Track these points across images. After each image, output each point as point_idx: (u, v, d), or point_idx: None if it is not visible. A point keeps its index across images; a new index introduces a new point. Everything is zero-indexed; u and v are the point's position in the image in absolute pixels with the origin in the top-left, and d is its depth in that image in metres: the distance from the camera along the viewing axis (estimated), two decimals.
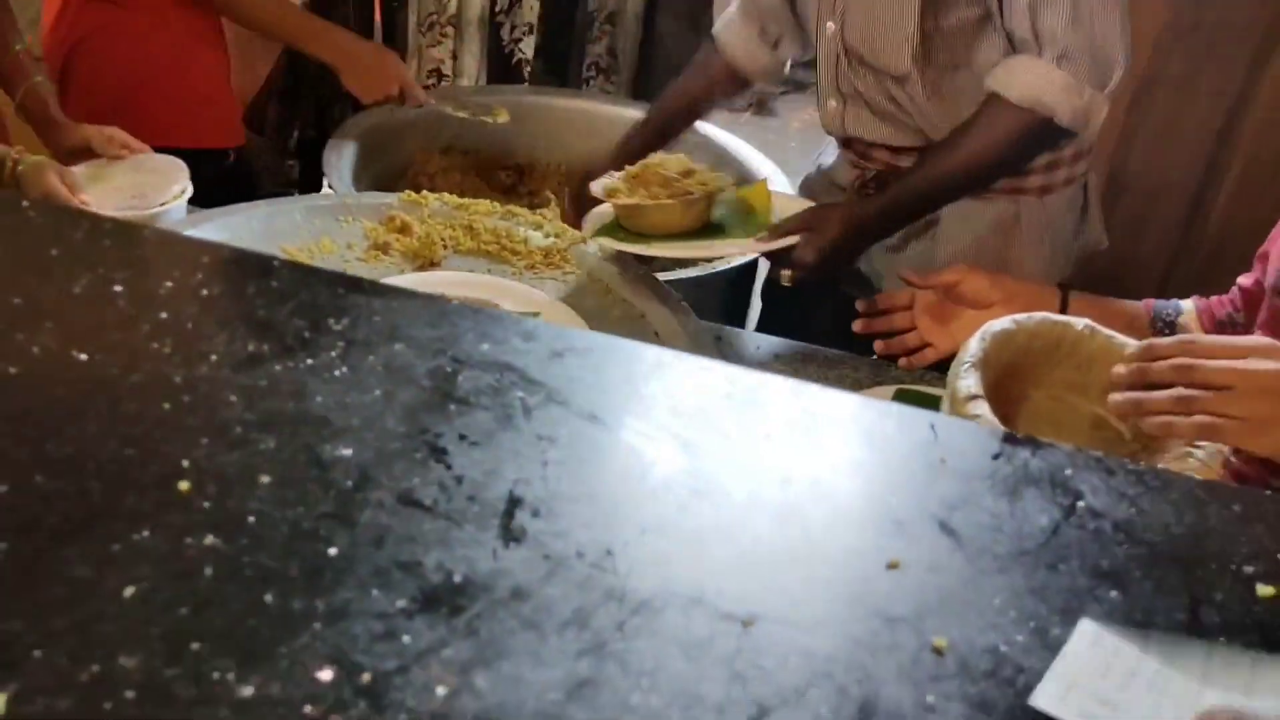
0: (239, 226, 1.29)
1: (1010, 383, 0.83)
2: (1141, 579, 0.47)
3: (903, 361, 1.29)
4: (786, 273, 1.39)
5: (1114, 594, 0.47)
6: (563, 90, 2.17)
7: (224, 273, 0.54)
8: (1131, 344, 0.81)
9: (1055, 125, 1.26)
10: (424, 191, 1.49)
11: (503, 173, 1.96)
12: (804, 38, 1.56)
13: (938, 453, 0.53)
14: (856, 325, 1.32)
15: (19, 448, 0.42)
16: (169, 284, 0.52)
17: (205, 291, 0.53)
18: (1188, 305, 1.12)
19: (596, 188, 1.44)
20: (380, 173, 1.78)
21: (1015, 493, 0.51)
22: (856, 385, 1.37)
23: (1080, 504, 0.51)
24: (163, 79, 1.72)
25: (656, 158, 1.44)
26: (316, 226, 1.36)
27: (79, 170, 1.46)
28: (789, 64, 1.64)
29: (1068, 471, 0.53)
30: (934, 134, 1.39)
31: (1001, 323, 0.84)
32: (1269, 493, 0.57)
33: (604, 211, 1.45)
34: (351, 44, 1.74)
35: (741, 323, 1.85)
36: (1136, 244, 2.45)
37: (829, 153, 1.64)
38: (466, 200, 1.48)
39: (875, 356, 1.42)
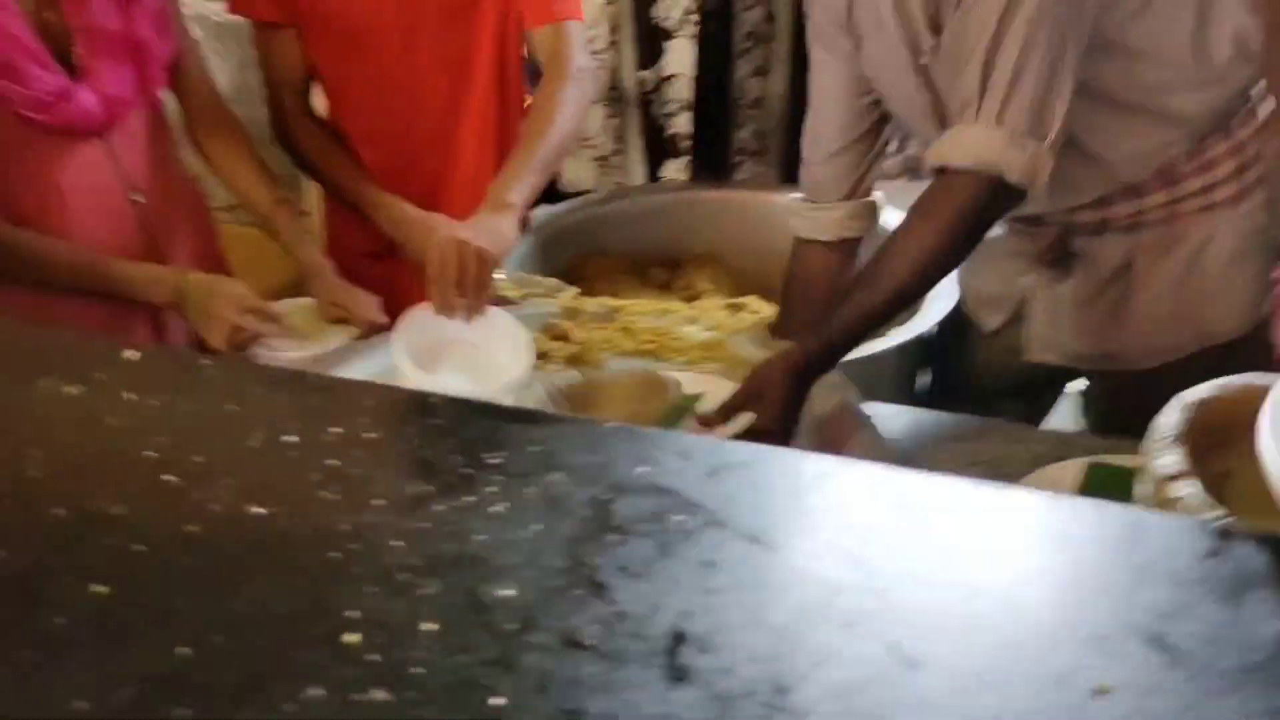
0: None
1: (1217, 456, 0.76)
2: None
3: None
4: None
5: None
6: (708, 182, 2.20)
7: (385, 414, 0.56)
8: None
9: (1005, 184, 1.18)
10: (581, 297, 1.52)
11: (656, 270, 1.99)
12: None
13: (1141, 554, 0.48)
14: None
15: (198, 608, 0.44)
16: (338, 429, 0.54)
17: (369, 435, 0.54)
18: None
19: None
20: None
21: (1236, 597, 0.46)
22: (1038, 460, 1.29)
23: None
24: None
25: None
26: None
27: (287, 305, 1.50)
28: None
29: None
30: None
31: (1203, 389, 0.77)
32: None
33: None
34: (407, 217, 1.60)
35: (912, 390, 1.78)
36: None
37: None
38: (622, 301, 1.51)
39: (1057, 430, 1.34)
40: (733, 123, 2.34)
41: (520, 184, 1.48)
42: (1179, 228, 1.35)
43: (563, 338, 1.42)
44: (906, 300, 1.30)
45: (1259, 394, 0.77)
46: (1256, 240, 1.36)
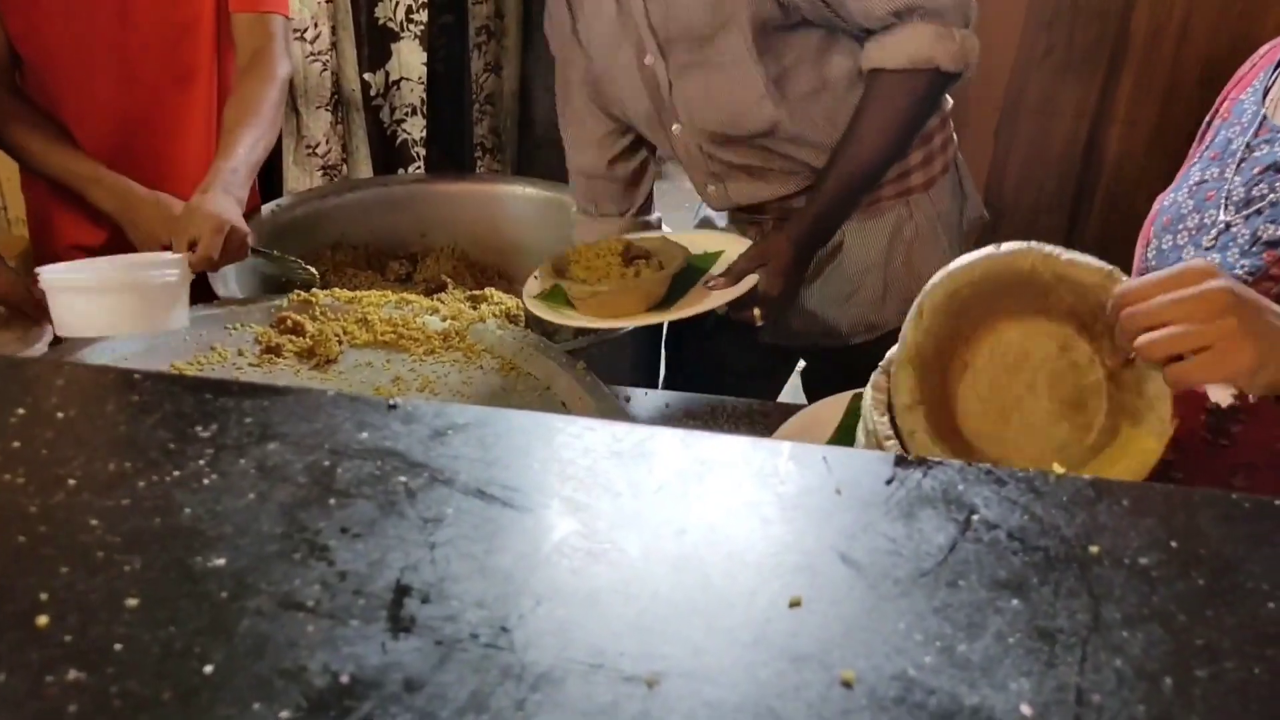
0: (124, 348, 1.25)
1: (958, 336, 0.82)
2: (1040, 585, 0.48)
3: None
4: (756, 312, 1.37)
5: (1015, 603, 0.47)
6: (444, 175, 2.17)
7: (79, 392, 0.52)
8: (1088, 261, 0.79)
9: (942, 73, 1.31)
10: (313, 289, 1.47)
11: (395, 263, 1.95)
12: (635, 164, 1.58)
13: (833, 484, 0.53)
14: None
15: None
16: (20, 411, 0.50)
17: (60, 414, 0.50)
18: None
19: (532, 287, 1.42)
20: (270, 275, 1.76)
21: (911, 515, 0.51)
22: (768, 431, 1.37)
23: (975, 518, 0.52)
24: None
25: (595, 246, 1.43)
26: (205, 338, 1.32)
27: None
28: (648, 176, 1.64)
29: (960, 487, 0.53)
30: (821, 159, 1.42)
31: (931, 297, 0.82)
32: (1156, 484, 0.58)
33: (534, 288, 1.43)
34: (134, 194, 1.50)
35: (654, 381, 1.85)
36: None
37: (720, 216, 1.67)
38: (359, 293, 1.47)
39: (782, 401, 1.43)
40: (467, 120, 2.32)
41: (239, 171, 1.42)
42: (879, 210, 1.48)
43: (297, 330, 1.37)
44: (873, 177, 1.40)
45: (998, 271, 0.83)
46: (944, 222, 1.52)
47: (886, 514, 0.51)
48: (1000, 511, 0.52)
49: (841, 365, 1.53)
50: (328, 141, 2.15)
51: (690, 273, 1.41)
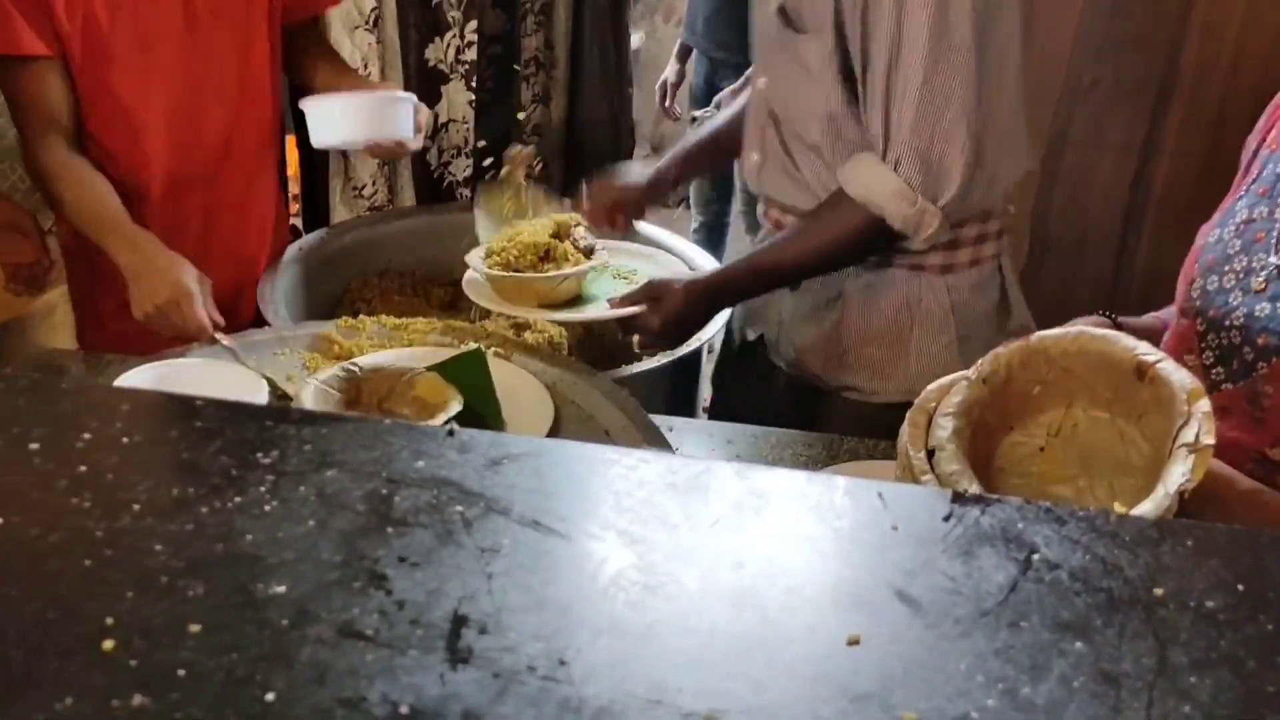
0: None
1: (1021, 397, 0.82)
2: (1104, 627, 0.47)
3: None
4: (635, 338, 1.46)
5: (1079, 645, 0.46)
6: None
7: (143, 418, 0.53)
8: (1182, 377, 0.77)
9: (887, 227, 1.30)
10: (361, 316, 1.49)
11: (440, 290, 1.97)
12: None
13: (889, 520, 0.53)
14: None
15: None
16: (87, 436, 0.51)
17: (126, 439, 0.51)
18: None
19: (473, 259, 1.52)
20: (318, 302, 1.78)
21: (970, 553, 0.51)
22: (810, 464, 1.36)
23: (1035, 557, 0.51)
24: None
25: (529, 229, 1.51)
26: (252, 363, 1.34)
27: None
28: None
29: (1020, 525, 0.53)
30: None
31: (957, 390, 0.82)
32: (1221, 525, 0.57)
33: (477, 279, 1.54)
34: (149, 250, 1.45)
35: (692, 411, 1.85)
36: (1068, 299, 2.51)
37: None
38: (404, 320, 1.48)
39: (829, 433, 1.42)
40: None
41: None
42: (885, 278, 1.44)
43: (343, 357, 1.38)
44: (788, 276, 1.44)
45: (1026, 374, 0.83)
46: (960, 315, 1.46)
47: (944, 551, 0.51)
48: (1061, 551, 0.51)
49: (863, 415, 1.50)
50: (374, 183, 2.18)
51: (611, 285, 1.56)
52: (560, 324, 1.67)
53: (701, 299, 1.42)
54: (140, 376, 1.21)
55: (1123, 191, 2.33)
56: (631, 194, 1.70)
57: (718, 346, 1.76)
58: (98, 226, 1.47)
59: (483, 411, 1.30)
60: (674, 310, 1.40)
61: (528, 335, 1.69)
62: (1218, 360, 0.94)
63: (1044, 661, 0.45)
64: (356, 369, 1.28)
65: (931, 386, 0.84)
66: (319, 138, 1.60)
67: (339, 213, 2.18)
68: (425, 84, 2.13)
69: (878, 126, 1.27)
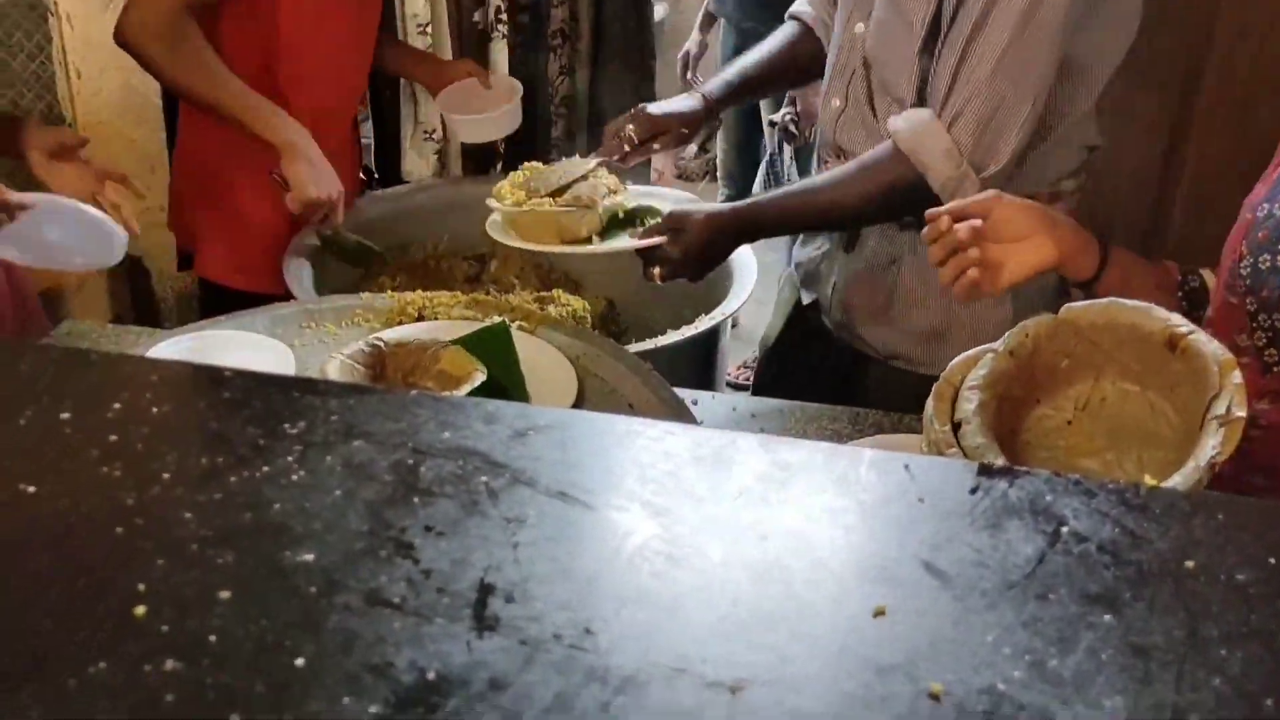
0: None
1: (1048, 370, 0.81)
2: (1133, 600, 0.46)
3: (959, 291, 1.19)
4: (655, 270, 1.43)
5: (1108, 618, 0.45)
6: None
7: (172, 388, 0.53)
8: (1215, 348, 0.77)
9: (925, 187, 1.27)
10: (388, 290, 1.49)
11: (465, 263, 1.97)
12: None
13: (915, 493, 0.52)
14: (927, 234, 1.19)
15: None
16: (118, 406, 0.51)
17: (155, 409, 0.52)
18: (1208, 274, 1.09)
19: (494, 202, 1.54)
20: (342, 275, 1.79)
21: (997, 525, 0.50)
22: (836, 437, 1.36)
23: (1064, 529, 0.50)
24: None
25: (555, 170, 1.51)
26: (280, 336, 1.35)
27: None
28: None
29: (1048, 498, 0.52)
30: None
31: (982, 365, 0.81)
32: (1252, 498, 0.56)
33: (498, 220, 1.56)
34: (303, 139, 1.65)
35: (713, 384, 1.84)
36: None
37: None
38: (429, 294, 1.49)
39: (855, 408, 1.41)
40: (546, 120, 2.34)
41: None
42: None
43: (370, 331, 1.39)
44: (816, 222, 1.42)
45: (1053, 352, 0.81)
46: (1019, 292, 1.44)
47: (971, 524, 0.50)
48: (1090, 524, 0.51)
49: (908, 386, 1.48)
50: (442, 129, 2.21)
51: (631, 222, 1.52)
52: (582, 256, 1.66)
53: (724, 230, 1.39)
54: (171, 348, 1.22)
55: (1154, 164, 2.29)
56: (673, 122, 1.62)
57: (742, 319, 1.75)
58: (255, 102, 1.61)
59: (506, 385, 1.30)
60: (696, 241, 1.38)
61: (551, 309, 1.68)
62: (1270, 342, 0.91)
63: (1072, 634, 0.44)
64: (381, 343, 1.28)
65: (957, 359, 0.83)
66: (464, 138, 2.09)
67: (409, 156, 2.22)
68: (471, 40, 2.19)
69: (944, 82, 1.25)
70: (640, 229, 1.45)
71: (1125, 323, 0.79)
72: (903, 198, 1.30)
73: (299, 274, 1.58)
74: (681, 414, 1.28)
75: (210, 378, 0.54)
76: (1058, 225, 1.04)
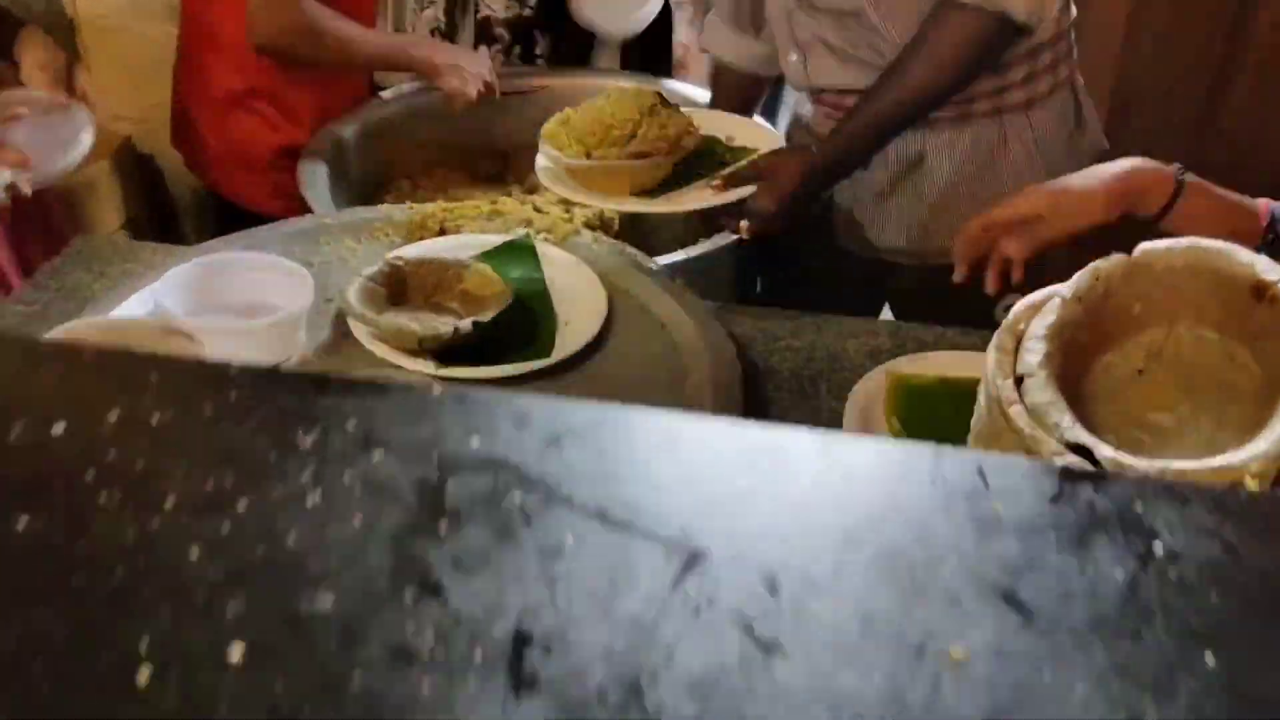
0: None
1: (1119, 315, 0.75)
2: (1240, 636, 0.42)
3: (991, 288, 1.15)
4: (743, 224, 1.32)
5: (1209, 659, 0.41)
6: (536, 68, 2.08)
7: (175, 391, 0.49)
8: (1231, 253, 0.70)
9: (1009, 22, 1.19)
10: (407, 201, 1.43)
11: (486, 161, 1.89)
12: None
13: (989, 503, 0.47)
14: (958, 277, 1.19)
15: None
16: (115, 415, 0.47)
17: (156, 418, 0.47)
18: None
19: (547, 148, 1.39)
20: (361, 181, 1.72)
21: (1083, 543, 0.45)
22: (876, 354, 1.31)
23: (1156, 545, 0.46)
24: None
25: (606, 106, 1.38)
26: (296, 255, 1.30)
27: None
28: None
29: (1139, 507, 0.47)
30: None
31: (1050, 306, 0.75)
32: None
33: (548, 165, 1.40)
34: (440, 49, 1.80)
35: (750, 289, 1.79)
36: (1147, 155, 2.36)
37: (803, 102, 1.57)
38: (451, 205, 1.42)
39: (889, 318, 1.36)
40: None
41: None
42: (968, 128, 1.36)
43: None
44: (909, 118, 1.30)
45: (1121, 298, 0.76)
46: (1044, 149, 1.37)
47: (1055, 542, 0.45)
48: (1186, 539, 0.46)
49: (929, 286, 1.44)
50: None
51: (709, 160, 1.37)
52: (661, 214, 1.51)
53: (819, 175, 1.30)
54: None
55: (1217, 44, 2.14)
56: None
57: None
58: (392, 46, 1.81)
59: (533, 305, 1.25)
60: (791, 190, 1.28)
61: (577, 211, 1.61)
62: None
63: (1168, 680, 0.40)
64: (401, 262, 1.23)
65: (1019, 305, 0.77)
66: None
67: None
68: None
69: None
70: (718, 177, 1.32)
71: (1207, 267, 0.72)
72: (989, 43, 1.22)
73: (314, 184, 1.52)
74: (715, 335, 1.23)
75: (214, 376, 0.50)
76: (1113, 179, 0.99)
